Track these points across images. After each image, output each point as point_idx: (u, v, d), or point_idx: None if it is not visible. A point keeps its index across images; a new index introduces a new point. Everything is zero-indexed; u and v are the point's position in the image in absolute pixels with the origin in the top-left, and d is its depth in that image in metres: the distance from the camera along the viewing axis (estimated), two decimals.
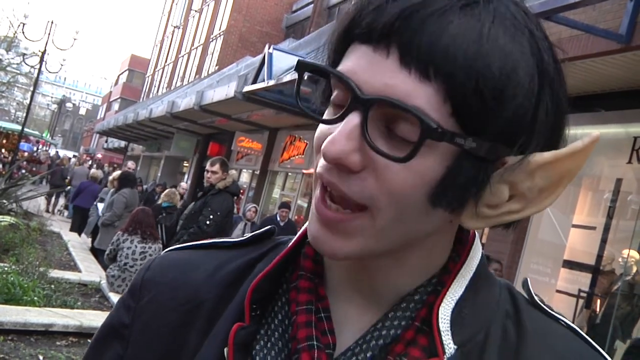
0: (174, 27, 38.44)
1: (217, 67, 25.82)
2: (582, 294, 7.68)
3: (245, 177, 20.71)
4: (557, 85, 0.62)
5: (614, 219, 7.55)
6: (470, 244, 0.71)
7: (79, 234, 13.51)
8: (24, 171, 20.51)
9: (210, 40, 29.01)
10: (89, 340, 0.94)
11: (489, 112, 0.58)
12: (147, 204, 9.65)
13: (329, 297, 0.70)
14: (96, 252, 10.16)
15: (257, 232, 0.80)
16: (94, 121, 74.96)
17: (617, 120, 7.54)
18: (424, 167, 0.59)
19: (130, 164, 13.31)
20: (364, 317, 0.69)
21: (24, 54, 28.93)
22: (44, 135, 43.83)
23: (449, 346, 0.63)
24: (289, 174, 17.29)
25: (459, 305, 0.66)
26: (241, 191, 16.71)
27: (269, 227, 0.82)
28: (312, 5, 23.64)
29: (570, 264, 8.11)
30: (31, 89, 27.91)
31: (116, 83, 66.34)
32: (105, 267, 8.25)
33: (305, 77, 0.66)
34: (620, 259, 7.31)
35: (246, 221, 11.69)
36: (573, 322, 0.72)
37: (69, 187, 19.57)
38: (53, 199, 20.28)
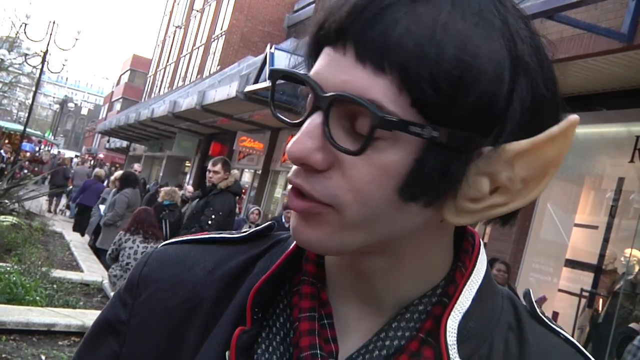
0: (176, 27, 38.45)
1: (218, 67, 25.81)
2: (585, 294, 7.67)
3: (247, 177, 20.72)
4: (536, 73, 0.60)
5: (616, 218, 7.54)
6: (476, 254, 0.70)
7: (82, 234, 13.54)
8: (26, 171, 20.52)
9: (212, 40, 29.00)
10: None
11: (448, 100, 0.56)
12: (149, 205, 9.64)
13: (330, 301, 0.69)
14: (98, 252, 10.17)
15: (257, 228, 0.79)
16: (95, 121, 75.00)
17: (619, 119, 7.54)
18: (389, 161, 0.58)
19: (137, 166, 13.30)
20: (365, 323, 0.68)
21: (26, 54, 28.93)
22: (46, 135, 43.90)
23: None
24: None
25: (465, 318, 0.65)
26: (243, 191, 16.72)
27: (269, 222, 0.81)
28: (313, 5, 23.64)
29: (572, 263, 8.10)
30: (33, 89, 27.91)
31: (118, 83, 66.37)
32: (107, 267, 8.26)
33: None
34: (622, 258, 7.31)
35: (250, 224, 11.68)
36: (575, 322, 0.72)
37: (70, 187, 19.61)
38: (55, 198, 20.30)
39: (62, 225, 14.49)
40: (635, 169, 7.28)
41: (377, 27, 0.57)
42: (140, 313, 0.76)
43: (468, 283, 0.67)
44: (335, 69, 0.60)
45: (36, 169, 23.16)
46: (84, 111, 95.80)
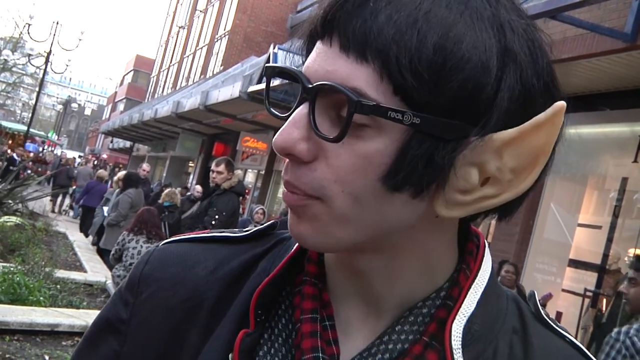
0: (179, 27, 38.47)
1: (222, 67, 25.80)
2: (588, 293, 7.66)
3: (250, 177, 20.73)
4: (526, 63, 0.59)
5: (619, 217, 7.53)
6: (481, 256, 0.69)
7: (86, 235, 13.56)
8: (29, 171, 20.55)
9: (215, 40, 29.01)
10: None
11: (430, 87, 0.56)
12: (152, 205, 9.65)
13: (332, 301, 0.69)
14: (102, 252, 10.18)
15: (260, 227, 0.79)
16: (99, 121, 75.07)
17: (623, 119, 7.53)
18: (372, 150, 0.58)
19: (145, 166, 13.25)
20: (367, 324, 0.68)
21: (29, 55, 29.04)
22: (49, 135, 43.97)
23: None
24: None
25: (470, 321, 0.64)
26: (246, 191, 16.72)
27: (271, 222, 0.80)
28: (316, 5, 23.62)
29: (576, 263, 8.09)
30: (37, 89, 27.99)
31: (121, 83, 66.41)
32: (111, 267, 8.27)
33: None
34: (626, 258, 7.29)
35: (255, 223, 11.68)
36: (579, 322, 0.72)
37: (73, 188, 19.63)
38: (59, 199, 20.33)
39: (66, 225, 14.52)
40: (638, 169, 7.27)
41: (360, 17, 0.58)
42: (141, 312, 0.75)
43: (473, 286, 0.66)
44: (322, 61, 0.61)
45: (40, 169, 23.20)
46: (88, 111, 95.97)
